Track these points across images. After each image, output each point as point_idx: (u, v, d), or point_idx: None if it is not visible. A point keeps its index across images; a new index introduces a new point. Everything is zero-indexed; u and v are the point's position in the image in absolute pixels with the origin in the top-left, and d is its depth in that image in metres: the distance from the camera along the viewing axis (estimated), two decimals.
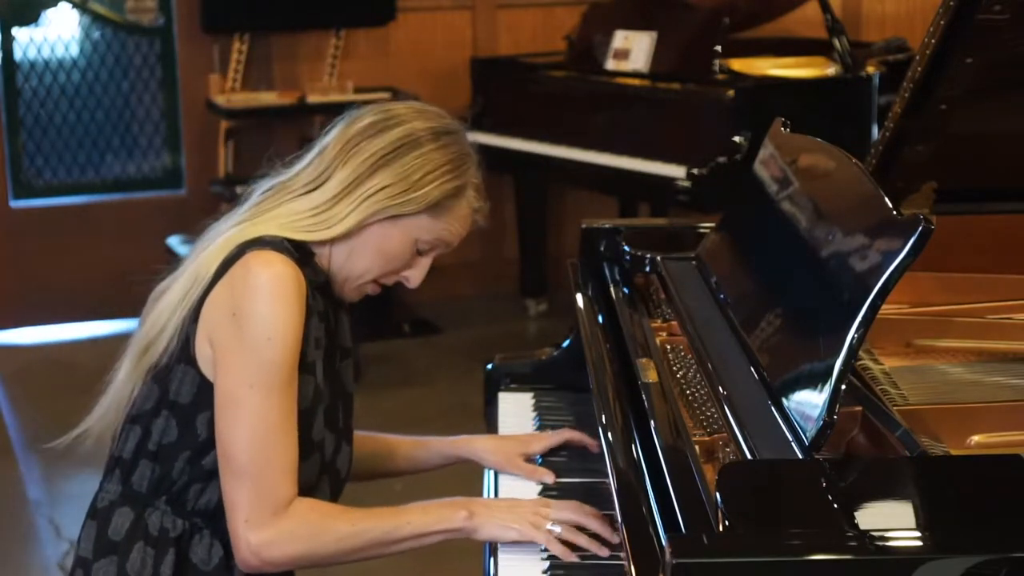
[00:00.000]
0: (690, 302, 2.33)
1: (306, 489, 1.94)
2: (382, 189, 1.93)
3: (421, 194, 1.93)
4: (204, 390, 1.91)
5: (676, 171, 4.78)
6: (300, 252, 1.91)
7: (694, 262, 2.49)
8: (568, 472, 2.19)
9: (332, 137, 2.00)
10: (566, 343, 2.67)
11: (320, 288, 1.95)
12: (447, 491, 2.07)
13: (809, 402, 1.69)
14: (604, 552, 1.87)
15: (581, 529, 1.90)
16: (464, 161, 2.02)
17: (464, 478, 2.32)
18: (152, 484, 1.96)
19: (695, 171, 4.68)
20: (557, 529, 1.91)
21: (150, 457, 1.96)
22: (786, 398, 1.77)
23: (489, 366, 2.71)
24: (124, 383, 1.99)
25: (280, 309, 1.86)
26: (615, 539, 1.87)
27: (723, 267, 2.36)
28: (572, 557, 1.86)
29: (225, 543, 1.96)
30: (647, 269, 2.61)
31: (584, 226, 2.76)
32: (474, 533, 1.95)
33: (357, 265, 1.99)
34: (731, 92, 4.89)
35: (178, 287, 1.94)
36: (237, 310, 1.86)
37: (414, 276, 2.03)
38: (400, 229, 1.96)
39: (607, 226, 2.77)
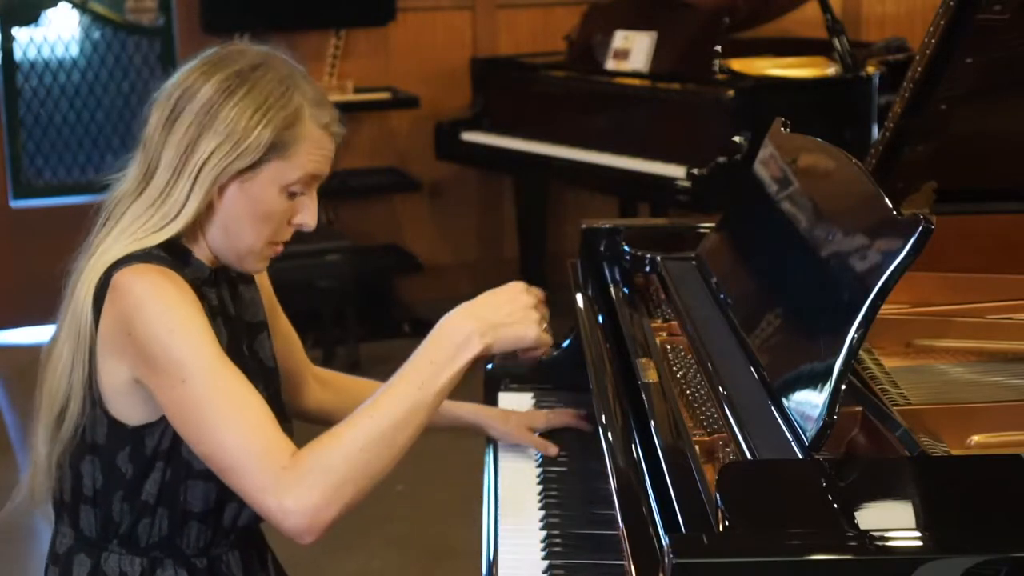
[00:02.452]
0: (690, 302, 2.35)
1: None
2: (212, 153, 1.83)
3: (253, 141, 1.83)
4: (115, 429, 1.85)
5: (676, 171, 4.87)
6: (174, 255, 1.85)
7: (694, 262, 2.50)
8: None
9: (151, 123, 1.89)
10: (566, 343, 2.67)
11: (207, 282, 1.89)
12: (445, 488, 2.08)
13: (809, 402, 1.70)
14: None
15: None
16: (286, 86, 1.90)
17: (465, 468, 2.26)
18: (99, 528, 1.92)
19: (695, 171, 4.77)
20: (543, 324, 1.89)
21: (89, 503, 1.91)
22: (786, 398, 1.78)
23: (489, 366, 2.68)
24: (47, 457, 1.91)
25: (167, 302, 1.77)
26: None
27: (723, 267, 2.38)
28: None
29: (189, 568, 1.92)
30: (647, 269, 2.61)
31: (584, 226, 2.75)
32: (490, 349, 1.85)
33: (240, 238, 1.90)
34: (731, 92, 4.96)
35: (66, 347, 1.86)
36: (131, 328, 1.77)
37: (306, 219, 1.93)
38: (259, 185, 1.87)
39: (607, 226, 2.76)
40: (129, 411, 1.84)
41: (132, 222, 1.85)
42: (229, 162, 1.82)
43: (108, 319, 1.79)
